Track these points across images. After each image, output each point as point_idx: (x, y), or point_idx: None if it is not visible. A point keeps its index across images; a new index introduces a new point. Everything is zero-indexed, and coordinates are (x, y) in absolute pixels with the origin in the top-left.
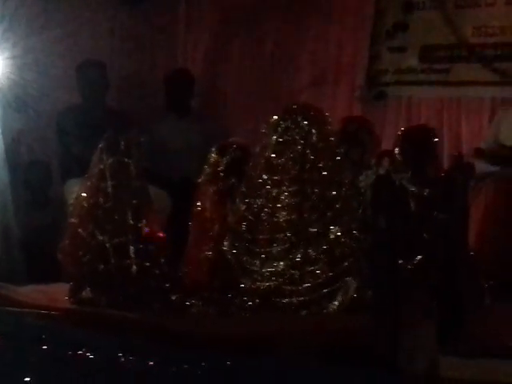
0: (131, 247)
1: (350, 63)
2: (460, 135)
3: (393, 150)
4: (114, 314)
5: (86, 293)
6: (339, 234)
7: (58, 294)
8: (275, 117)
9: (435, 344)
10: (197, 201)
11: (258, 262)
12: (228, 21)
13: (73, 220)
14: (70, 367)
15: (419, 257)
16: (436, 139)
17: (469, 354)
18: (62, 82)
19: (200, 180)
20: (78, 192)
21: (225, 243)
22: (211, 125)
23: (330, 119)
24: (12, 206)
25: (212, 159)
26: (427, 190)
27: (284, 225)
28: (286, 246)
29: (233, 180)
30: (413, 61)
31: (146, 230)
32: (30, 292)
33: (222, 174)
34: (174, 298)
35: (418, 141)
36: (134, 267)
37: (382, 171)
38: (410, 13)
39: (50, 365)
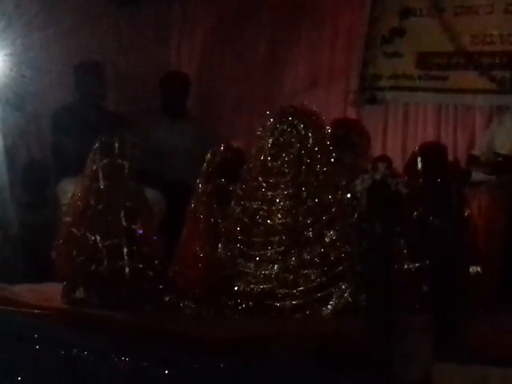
0: (125, 249)
1: (345, 67)
2: (456, 142)
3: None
4: (106, 314)
5: (79, 293)
6: (334, 238)
7: (51, 293)
8: (271, 119)
9: (430, 350)
10: (191, 201)
11: (252, 265)
12: (222, 24)
13: (67, 219)
14: (63, 367)
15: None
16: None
17: (464, 361)
18: (61, 80)
19: (197, 181)
20: (72, 191)
21: (219, 245)
22: (206, 127)
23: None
24: (10, 205)
25: (206, 161)
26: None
27: (279, 228)
28: (281, 249)
29: (222, 181)
30: (409, 67)
31: (140, 231)
32: (23, 291)
33: (211, 175)
34: (166, 299)
35: (435, 161)
36: (127, 269)
37: (377, 176)
38: (407, 19)
39: (43, 364)
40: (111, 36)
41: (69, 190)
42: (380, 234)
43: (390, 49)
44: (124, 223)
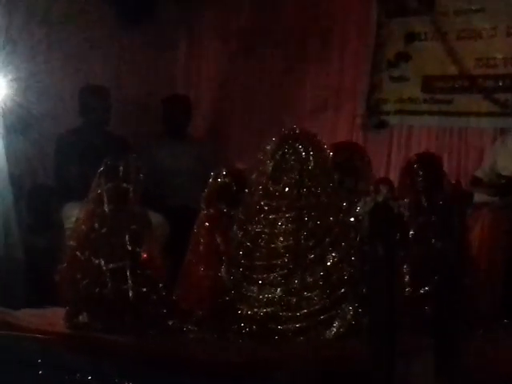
0: (128, 272)
1: (352, 91)
2: (461, 165)
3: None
4: (110, 338)
5: (83, 317)
6: (336, 260)
7: (54, 318)
8: (272, 143)
9: (432, 373)
10: (195, 225)
11: (255, 289)
12: (229, 47)
13: (71, 243)
14: None
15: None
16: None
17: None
18: (65, 105)
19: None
20: (77, 216)
21: (222, 269)
22: (209, 149)
23: (326, 145)
24: (16, 229)
25: (208, 185)
26: (425, 218)
27: (281, 251)
28: (284, 272)
29: (223, 206)
30: (415, 91)
31: (144, 255)
32: (26, 316)
33: (213, 200)
34: (170, 323)
35: (429, 166)
36: (131, 292)
37: (379, 198)
38: (412, 43)
39: None
40: (115, 59)
41: (73, 214)
42: (382, 256)
43: (396, 73)
44: (128, 247)
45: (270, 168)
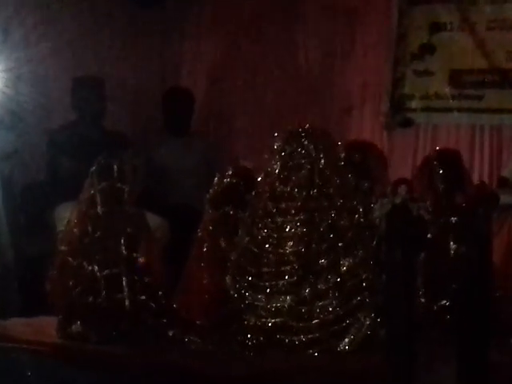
0: (124, 279)
1: (375, 87)
2: (492, 165)
3: (413, 178)
4: (105, 350)
5: (76, 327)
6: (351, 266)
7: (46, 327)
8: (279, 140)
9: None
10: (198, 229)
11: (262, 297)
12: (237, 39)
13: (62, 248)
14: None
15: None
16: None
17: None
18: (59, 97)
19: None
20: (69, 217)
21: (227, 276)
22: (212, 145)
23: (338, 143)
24: (6, 232)
25: (213, 185)
26: (447, 221)
27: (291, 257)
28: (293, 279)
29: (229, 208)
30: (442, 86)
31: (141, 260)
32: (17, 325)
33: (218, 201)
34: (170, 333)
35: (450, 163)
36: (128, 301)
37: (397, 200)
38: (437, 34)
39: None
40: (112, 50)
41: (66, 216)
42: (400, 261)
43: (421, 66)
44: (124, 251)
45: (278, 167)
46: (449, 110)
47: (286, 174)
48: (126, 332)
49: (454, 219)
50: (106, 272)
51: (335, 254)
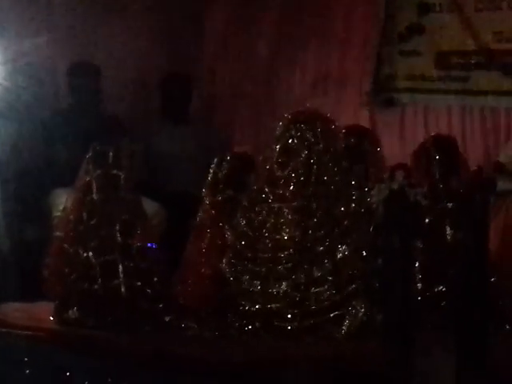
0: (120, 266)
1: (358, 66)
2: (485, 148)
3: (413, 158)
4: (101, 335)
5: (72, 313)
6: (347, 253)
7: (41, 313)
8: (278, 125)
9: (452, 373)
10: (197, 214)
11: (258, 283)
12: (229, 20)
13: (58, 234)
14: None
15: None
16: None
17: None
18: (54, 86)
19: (203, 192)
20: (64, 204)
21: (223, 261)
22: (211, 132)
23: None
24: (3, 218)
25: (212, 170)
26: (443, 207)
27: (287, 243)
28: (289, 265)
29: (230, 192)
30: (428, 67)
31: (137, 246)
32: (13, 311)
33: (219, 185)
34: (167, 319)
35: (446, 149)
36: (123, 287)
37: (395, 185)
38: (426, 14)
39: None
40: (109, 37)
41: (61, 201)
42: (398, 248)
43: (408, 47)
44: (119, 238)
45: (276, 152)
46: (434, 91)
47: (283, 159)
48: (122, 318)
49: (451, 205)
50: (101, 259)
51: (331, 240)
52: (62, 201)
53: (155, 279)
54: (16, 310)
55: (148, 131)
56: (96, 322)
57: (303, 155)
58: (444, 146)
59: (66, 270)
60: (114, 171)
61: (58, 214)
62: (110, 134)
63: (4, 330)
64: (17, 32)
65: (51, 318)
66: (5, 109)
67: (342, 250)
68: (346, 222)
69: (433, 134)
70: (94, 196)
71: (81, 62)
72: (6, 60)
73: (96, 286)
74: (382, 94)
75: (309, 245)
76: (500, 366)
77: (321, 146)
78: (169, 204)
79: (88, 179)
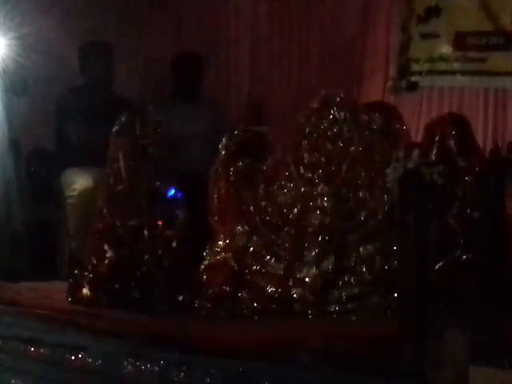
0: (146, 231)
1: (382, 52)
2: (498, 128)
3: (424, 141)
4: (115, 315)
5: (86, 291)
6: (377, 245)
7: (54, 292)
8: (309, 108)
9: (466, 354)
10: (211, 192)
11: (281, 266)
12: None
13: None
14: (68, 372)
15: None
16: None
17: (503, 365)
18: (70, 65)
19: (213, 170)
20: (79, 183)
21: (243, 239)
22: (222, 112)
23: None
24: (17, 198)
25: (223, 146)
26: (460, 185)
27: (315, 228)
28: (316, 252)
29: (245, 163)
30: (446, 48)
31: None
32: (26, 290)
33: (233, 158)
34: (180, 298)
35: (462, 124)
36: (147, 256)
37: (410, 164)
38: None
39: (46, 369)
40: (122, 16)
41: (74, 181)
42: (413, 228)
43: (427, 29)
44: (146, 205)
45: (306, 135)
46: (452, 72)
47: (313, 142)
48: (136, 297)
49: (468, 183)
50: (129, 223)
51: (363, 232)
52: (75, 180)
53: (173, 245)
54: (30, 290)
55: (159, 110)
56: (110, 301)
57: (334, 140)
58: (460, 122)
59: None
60: (142, 140)
61: (71, 193)
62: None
63: (18, 308)
64: (31, 7)
65: (65, 297)
66: (19, 85)
67: (370, 245)
68: (379, 217)
69: (448, 113)
70: (121, 164)
71: (93, 40)
72: (18, 36)
73: (122, 252)
74: (405, 78)
75: (338, 233)
76: None
77: (352, 129)
78: (179, 183)
79: (115, 148)
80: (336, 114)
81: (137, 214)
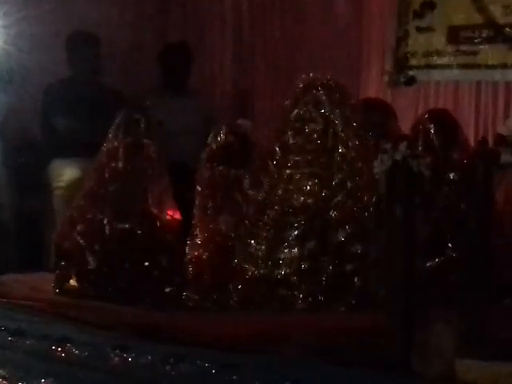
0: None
1: (378, 45)
2: (488, 120)
3: (411, 134)
4: (102, 306)
5: (73, 283)
6: (357, 228)
7: (41, 283)
8: (295, 91)
9: (453, 346)
10: (196, 185)
11: (263, 248)
12: None
13: (77, 199)
14: (55, 363)
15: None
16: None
17: (489, 358)
18: (58, 54)
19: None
20: (67, 174)
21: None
22: (211, 104)
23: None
24: (5, 189)
25: (208, 145)
26: (447, 177)
27: (297, 209)
28: (298, 232)
29: (223, 167)
30: (440, 42)
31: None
32: (13, 281)
33: (212, 160)
34: (167, 290)
35: (443, 122)
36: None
37: (398, 156)
38: None
39: (33, 361)
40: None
41: (61, 172)
42: (401, 219)
43: (423, 23)
44: (151, 208)
45: (291, 118)
46: (446, 66)
47: (298, 125)
48: (123, 289)
49: (454, 175)
50: (117, 226)
51: (344, 211)
52: (62, 171)
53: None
54: (17, 281)
55: (147, 102)
56: (96, 292)
57: (319, 122)
58: (439, 117)
59: (78, 228)
60: (145, 140)
61: (59, 184)
62: (110, 104)
63: (4, 300)
64: None
65: (51, 289)
66: (6, 73)
67: (353, 221)
68: (359, 193)
69: (428, 109)
70: (120, 163)
71: (80, 31)
72: (8, 24)
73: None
74: (403, 72)
75: (320, 213)
76: (500, 339)
77: (337, 112)
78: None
79: (115, 145)
80: (322, 97)
81: (128, 214)
